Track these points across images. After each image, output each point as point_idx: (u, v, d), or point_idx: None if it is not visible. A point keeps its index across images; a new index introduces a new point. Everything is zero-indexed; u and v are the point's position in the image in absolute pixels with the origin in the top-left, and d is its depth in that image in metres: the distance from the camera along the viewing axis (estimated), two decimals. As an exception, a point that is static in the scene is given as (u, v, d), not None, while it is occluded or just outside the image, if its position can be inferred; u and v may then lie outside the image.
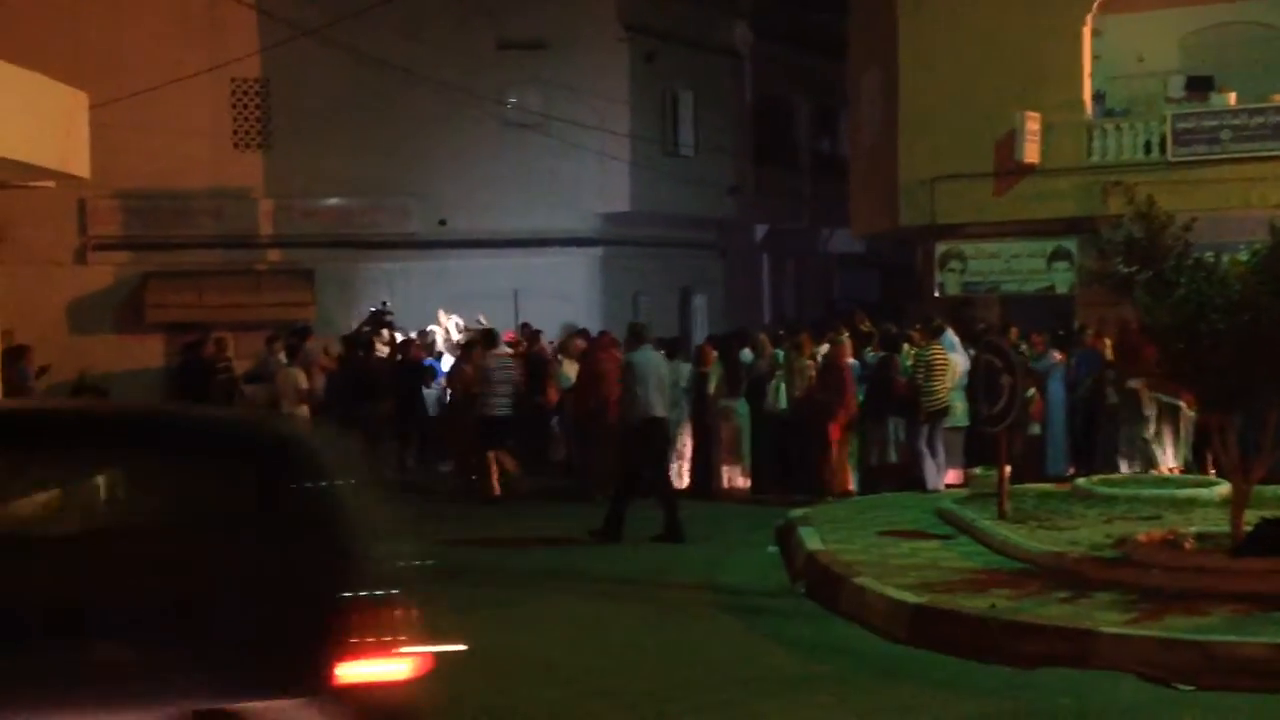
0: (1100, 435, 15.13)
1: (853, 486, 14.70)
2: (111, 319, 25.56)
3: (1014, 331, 16.24)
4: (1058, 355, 15.45)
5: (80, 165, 15.67)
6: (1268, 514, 9.56)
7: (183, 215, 25.90)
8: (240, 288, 25.30)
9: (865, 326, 17.30)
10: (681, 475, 15.40)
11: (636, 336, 13.23)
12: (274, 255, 26.35)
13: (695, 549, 11.85)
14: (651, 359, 12.81)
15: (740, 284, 31.20)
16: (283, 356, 16.90)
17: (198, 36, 25.06)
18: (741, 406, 15.57)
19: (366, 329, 19.97)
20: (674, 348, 15.83)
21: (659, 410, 12.48)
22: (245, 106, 26.22)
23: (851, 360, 15.25)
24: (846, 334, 15.88)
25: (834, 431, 14.52)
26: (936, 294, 22.42)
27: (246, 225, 26.18)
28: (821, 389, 14.74)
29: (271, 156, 26.18)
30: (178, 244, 25.71)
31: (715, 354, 16.08)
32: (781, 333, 17.63)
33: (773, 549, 11.49)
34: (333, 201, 26.40)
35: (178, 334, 24.97)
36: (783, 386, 15.20)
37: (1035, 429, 15.02)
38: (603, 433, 15.09)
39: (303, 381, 16.08)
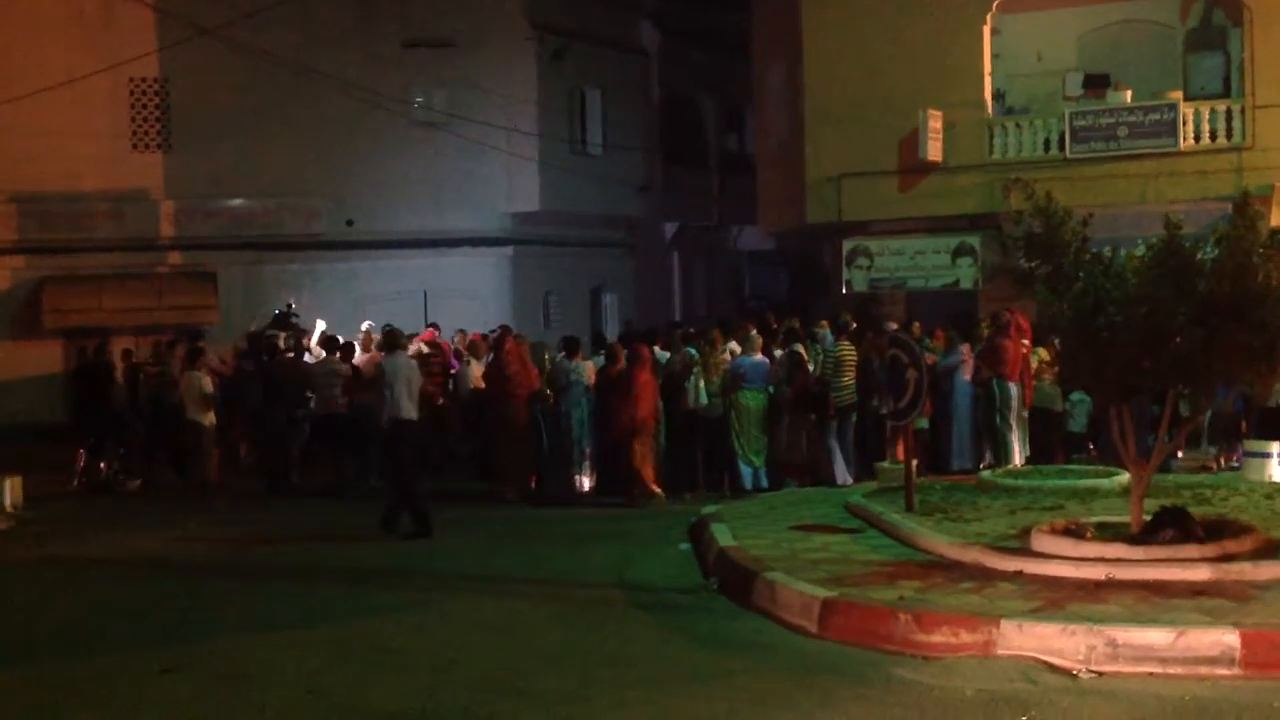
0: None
1: (658, 489, 14.80)
2: (8, 325, 24.96)
3: (917, 326, 16.49)
4: (965, 351, 15.70)
5: (-28, 168, 15.29)
6: (1166, 502, 9.81)
7: (81, 218, 25.32)
8: (141, 291, 24.82)
9: (773, 325, 17.40)
10: (590, 473, 15.44)
11: (391, 342, 13.54)
12: (175, 258, 25.89)
13: (608, 547, 11.86)
14: (402, 363, 13.07)
15: (650, 282, 31.29)
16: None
17: (94, 36, 24.55)
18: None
19: (270, 332, 19.66)
20: (573, 347, 15.84)
21: (407, 412, 12.81)
22: (144, 107, 25.72)
23: (760, 357, 15.36)
24: (755, 330, 16.02)
25: (621, 435, 14.66)
26: (844, 290, 22.65)
27: (147, 228, 25.67)
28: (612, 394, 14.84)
29: (171, 157, 25.71)
30: (76, 247, 25.14)
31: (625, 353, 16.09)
32: (692, 330, 17.69)
33: (685, 546, 11.53)
34: (235, 203, 25.99)
35: (77, 339, 24.43)
36: (701, 383, 15.27)
37: (923, 423, 15.14)
38: (507, 430, 15.24)
39: (208, 387, 15.87)
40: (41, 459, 18.37)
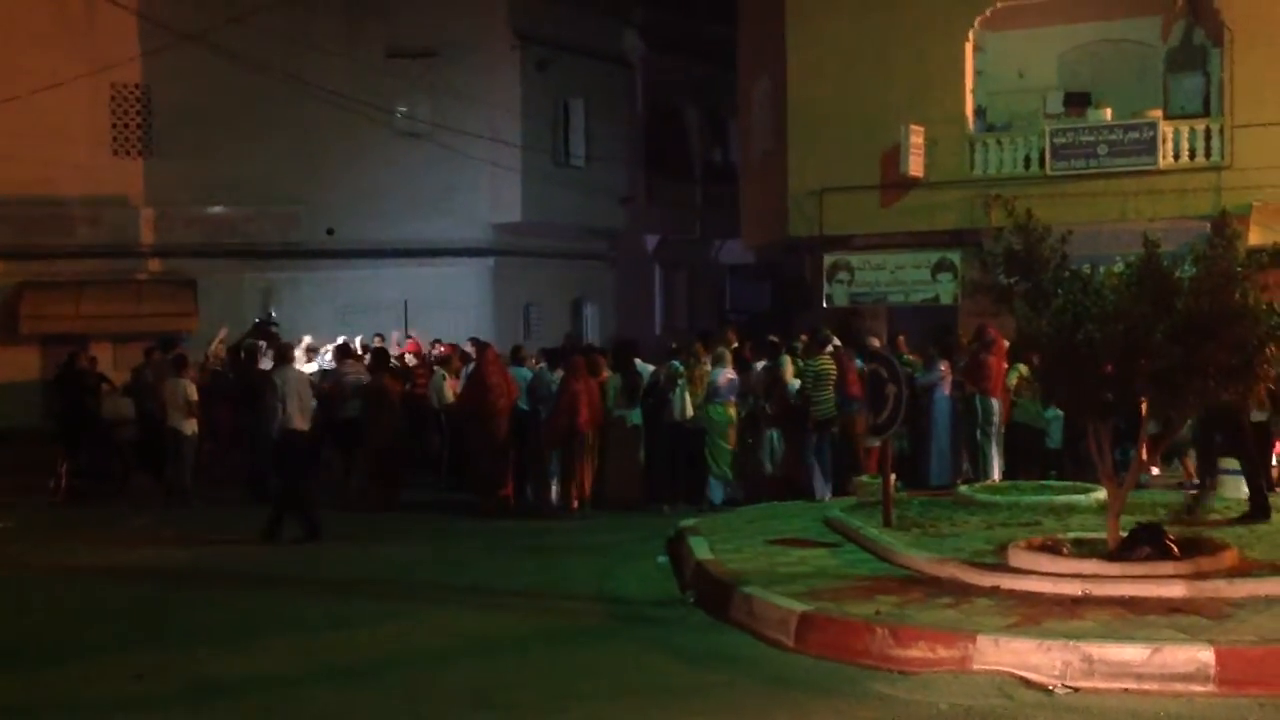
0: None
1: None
2: (-16, 330, 24.81)
3: (901, 341, 16.55)
4: (944, 367, 15.73)
5: (-49, 172, 15.21)
6: (1142, 519, 9.84)
7: (60, 223, 25.25)
8: (120, 298, 24.75)
9: (734, 342, 17.26)
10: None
11: (282, 355, 14.19)
12: (155, 265, 25.84)
13: (586, 560, 11.84)
14: (292, 375, 13.60)
15: (631, 294, 31.30)
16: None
17: (76, 41, 24.50)
18: (635, 416, 15.61)
19: (249, 340, 19.64)
20: (554, 358, 15.92)
21: (296, 424, 13.28)
22: (125, 112, 25.66)
23: (730, 374, 15.40)
24: (734, 344, 16.06)
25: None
26: (825, 304, 22.68)
27: (126, 234, 25.61)
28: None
29: (152, 163, 25.65)
30: (54, 253, 25.04)
31: (607, 364, 16.15)
32: (674, 345, 17.66)
33: (663, 559, 11.51)
34: (216, 210, 25.94)
35: (55, 346, 24.30)
36: (686, 395, 15.28)
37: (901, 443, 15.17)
38: (487, 442, 15.25)
39: (192, 394, 15.91)
40: (18, 465, 18.27)
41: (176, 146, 25.39)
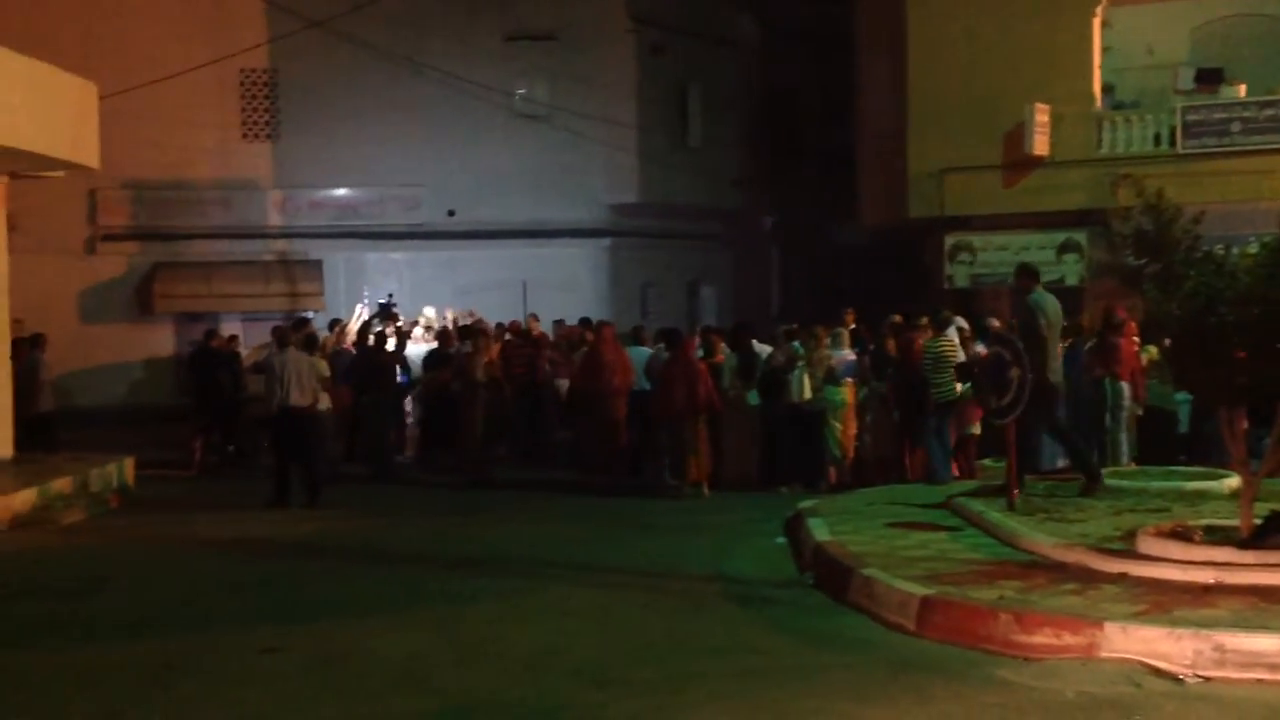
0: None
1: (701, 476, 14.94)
2: (121, 308, 25.67)
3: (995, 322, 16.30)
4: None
5: (90, 156, 15.73)
6: (1277, 506, 9.56)
7: (191, 205, 25.97)
8: (248, 278, 25.39)
9: (851, 323, 17.17)
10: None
11: (281, 339, 15.06)
12: (281, 245, 26.43)
13: (703, 539, 11.88)
14: (291, 357, 14.51)
15: (748, 276, 31.20)
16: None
17: (206, 27, 25.12)
18: (752, 397, 15.60)
19: (376, 321, 20.04)
20: (672, 339, 16.00)
21: (295, 400, 14.39)
22: (254, 97, 26.26)
23: (849, 355, 15.31)
24: (851, 325, 15.98)
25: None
26: (945, 286, 22.39)
27: (255, 216, 26.25)
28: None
29: (279, 147, 26.23)
30: (186, 234, 25.81)
31: (724, 345, 16.22)
32: (795, 326, 17.60)
33: (781, 540, 11.50)
34: (340, 192, 26.46)
35: (186, 323, 25.09)
36: (805, 378, 15.24)
37: (975, 429, 14.93)
38: (600, 420, 15.44)
39: (325, 370, 16.33)
40: (154, 440, 18.86)
41: (302, 130, 25.95)
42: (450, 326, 19.67)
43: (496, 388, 16.50)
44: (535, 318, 20.69)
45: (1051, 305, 12.06)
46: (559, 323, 20.61)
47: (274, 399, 14.49)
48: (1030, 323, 11.88)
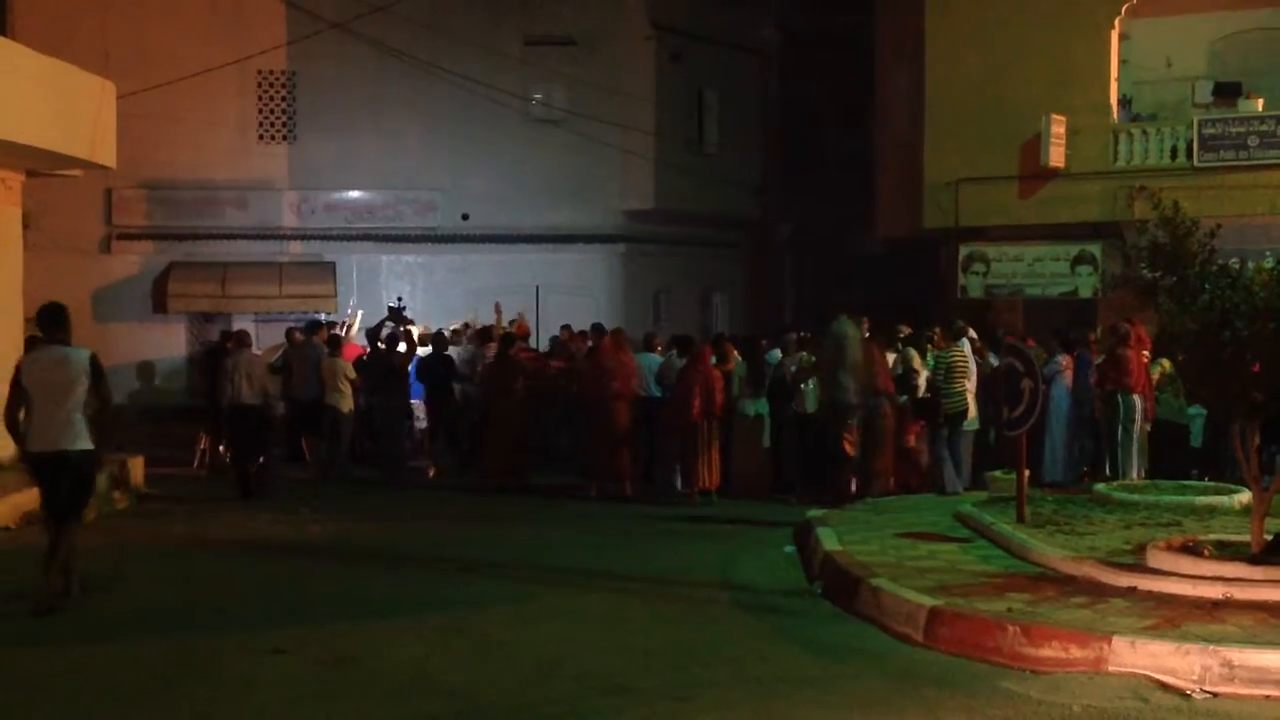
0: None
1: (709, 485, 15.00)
2: (135, 308, 25.72)
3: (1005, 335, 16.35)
4: (1064, 360, 15.40)
5: (107, 155, 15.80)
6: (1289, 523, 9.52)
7: (207, 206, 26.02)
8: (262, 279, 25.42)
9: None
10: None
11: (239, 341, 15.97)
12: (296, 247, 26.47)
13: (711, 547, 11.88)
14: (244, 358, 15.46)
15: (763, 283, 31.14)
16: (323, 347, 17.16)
17: (224, 29, 25.19)
18: (762, 406, 15.59)
19: (388, 324, 20.05)
20: (686, 345, 15.99)
21: (245, 398, 15.28)
22: (271, 99, 26.32)
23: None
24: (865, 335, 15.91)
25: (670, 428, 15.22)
26: (959, 296, 22.36)
27: (270, 217, 26.29)
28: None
29: (296, 149, 26.28)
30: (201, 234, 25.86)
31: (736, 352, 16.22)
32: (806, 335, 17.58)
33: (790, 549, 11.49)
34: (355, 194, 26.50)
35: (200, 323, 25.17)
36: (815, 387, 15.22)
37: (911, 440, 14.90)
38: (603, 427, 15.41)
39: (350, 372, 16.37)
40: (165, 439, 18.91)
41: (319, 132, 26.00)
42: (495, 328, 19.50)
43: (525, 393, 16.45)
44: (523, 318, 20.78)
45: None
46: (565, 328, 20.62)
47: (224, 397, 15.43)
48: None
